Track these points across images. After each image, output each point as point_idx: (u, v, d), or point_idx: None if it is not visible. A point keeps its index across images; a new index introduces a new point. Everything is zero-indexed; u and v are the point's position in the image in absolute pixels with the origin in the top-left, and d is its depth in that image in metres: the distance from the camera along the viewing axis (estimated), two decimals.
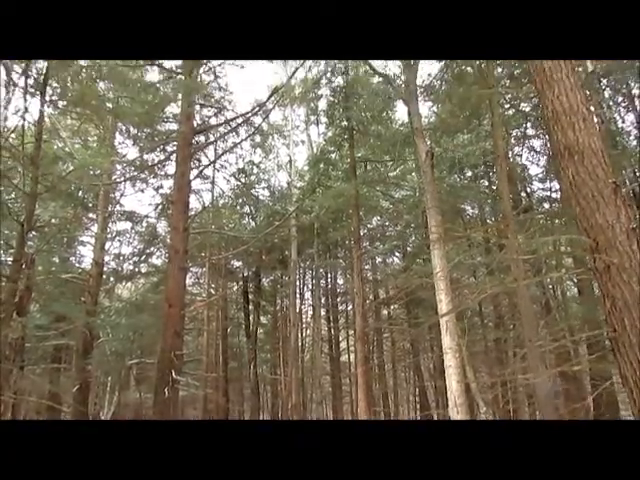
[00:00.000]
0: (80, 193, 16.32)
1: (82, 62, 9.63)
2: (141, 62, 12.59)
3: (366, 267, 21.52)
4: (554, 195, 13.77)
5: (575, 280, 14.10)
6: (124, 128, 15.21)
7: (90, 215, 18.70)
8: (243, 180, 19.65)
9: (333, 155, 18.68)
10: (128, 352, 19.89)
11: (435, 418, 20.69)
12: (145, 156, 15.56)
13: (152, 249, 19.69)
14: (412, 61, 11.93)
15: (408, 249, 21.63)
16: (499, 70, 12.40)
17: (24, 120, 8.22)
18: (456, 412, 9.31)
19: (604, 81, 12.70)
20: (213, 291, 21.71)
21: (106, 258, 18.75)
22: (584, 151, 4.03)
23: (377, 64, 14.41)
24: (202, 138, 16.28)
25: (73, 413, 15.97)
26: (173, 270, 12.71)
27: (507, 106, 12.98)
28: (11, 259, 9.51)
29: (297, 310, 19.63)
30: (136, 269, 20.13)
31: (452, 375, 9.49)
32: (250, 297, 24.71)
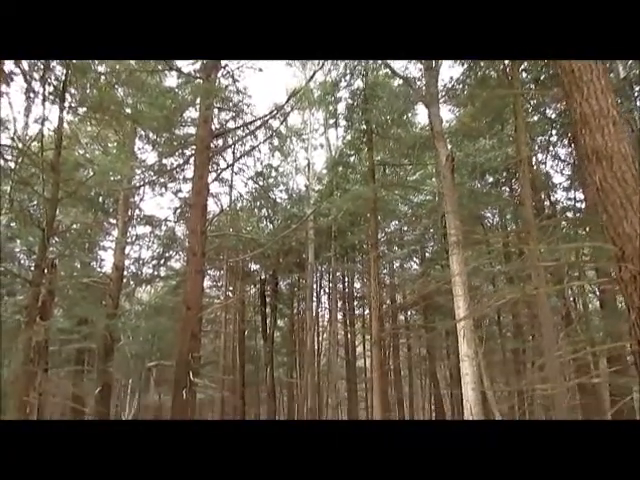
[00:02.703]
0: (100, 199, 16.57)
1: (100, 68, 9.76)
2: (159, 67, 12.72)
3: (383, 271, 21.34)
4: (579, 205, 13.39)
5: (597, 293, 13.78)
6: (143, 133, 15.40)
7: (110, 220, 18.98)
8: (261, 183, 19.70)
9: (352, 158, 18.60)
10: (147, 355, 20.10)
11: None
12: (164, 160, 15.72)
13: (171, 252, 19.90)
14: (434, 64, 11.77)
15: (426, 254, 21.39)
16: (524, 75, 12.11)
17: (43, 126, 8.36)
18: None
19: (637, 88, 12.25)
20: (230, 294, 21.80)
21: (126, 262, 19.00)
22: (613, 156, 3.88)
23: (397, 66, 14.26)
24: (220, 142, 16.38)
25: (95, 414, 16.19)
26: (191, 273, 12.78)
27: (532, 112, 12.67)
28: (34, 264, 9.67)
29: (314, 314, 19.57)
30: (155, 272, 20.36)
31: (468, 383, 9.33)
32: (267, 300, 24.76)
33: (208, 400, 24.76)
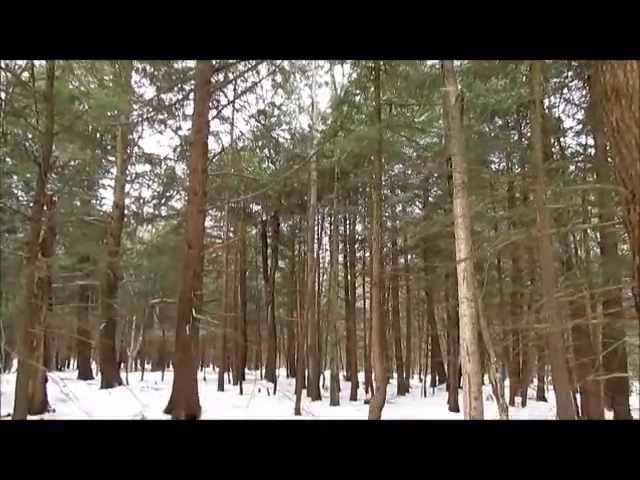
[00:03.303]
0: (97, 135, 16.18)
1: None
2: None
3: (385, 215, 21.25)
4: (589, 151, 13.00)
5: (599, 240, 13.80)
6: (140, 66, 14.76)
7: (109, 157, 18.66)
8: (263, 122, 19.17)
9: (357, 97, 17.92)
10: (150, 292, 20.51)
11: (445, 365, 21.08)
12: (162, 96, 15.19)
13: (171, 192, 19.74)
14: None
15: (429, 199, 21.20)
16: None
17: None
18: (467, 360, 9.40)
19: None
20: (232, 234, 21.88)
21: (127, 201, 18.93)
22: (633, 94, 3.68)
23: None
24: (221, 77, 15.76)
25: (101, 347, 16.76)
26: (192, 212, 12.75)
27: None
28: (32, 201, 9.56)
29: (315, 255, 19.69)
30: (156, 212, 20.31)
31: (466, 324, 9.48)
32: (268, 241, 24.89)
33: (211, 337, 25.62)
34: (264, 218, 24.66)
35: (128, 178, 18.35)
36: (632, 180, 3.66)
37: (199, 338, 13.58)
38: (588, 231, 11.61)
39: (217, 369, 22.07)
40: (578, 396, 13.79)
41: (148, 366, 35.71)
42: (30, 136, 10.54)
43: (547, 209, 6.46)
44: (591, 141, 13.09)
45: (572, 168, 11.47)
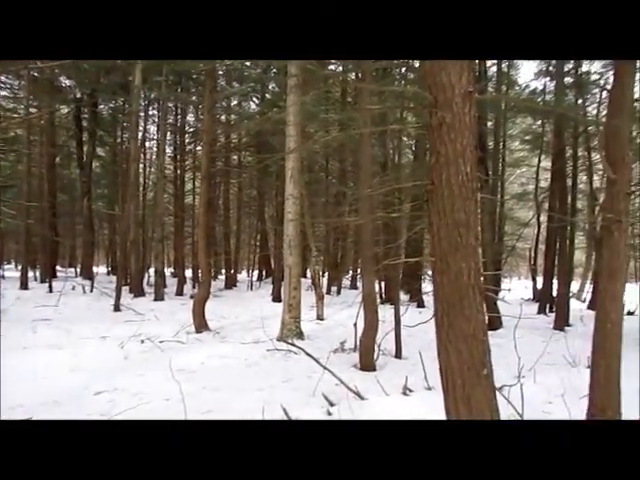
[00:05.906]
0: None
1: None
2: None
3: (220, 107, 20.11)
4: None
5: (413, 148, 15.42)
6: None
7: None
8: None
9: None
10: None
11: (272, 258, 22.25)
12: None
13: None
14: None
15: (266, 95, 20.66)
16: None
17: None
18: (289, 254, 10.01)
19: None
20: (35, 110, 18.41)
21: None
22: None
23: None
24: None
25: None
26: None
27: None
28: None
29: (139, 144, 17.92)
30: None
31: (290, 220, 9.96)
32: (84, 124, 21.78)
33: (13, 230, 22.30)
34: (78, 96, 21.24)
35: None
36: (437, 87, 3.94)
37: None
38: (404, 138, 12.78)
39: (20, 267, 19.63)
40: (383, 284, 16.14)
41: None
42: None
43: (369, 110, 6.81)
44: None
45: (397, 76, 12.15)
